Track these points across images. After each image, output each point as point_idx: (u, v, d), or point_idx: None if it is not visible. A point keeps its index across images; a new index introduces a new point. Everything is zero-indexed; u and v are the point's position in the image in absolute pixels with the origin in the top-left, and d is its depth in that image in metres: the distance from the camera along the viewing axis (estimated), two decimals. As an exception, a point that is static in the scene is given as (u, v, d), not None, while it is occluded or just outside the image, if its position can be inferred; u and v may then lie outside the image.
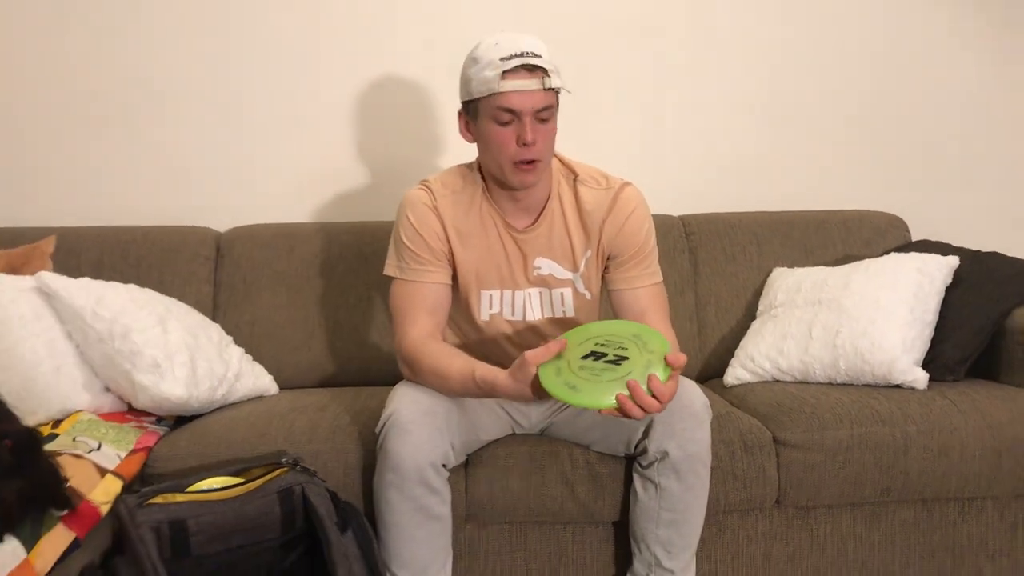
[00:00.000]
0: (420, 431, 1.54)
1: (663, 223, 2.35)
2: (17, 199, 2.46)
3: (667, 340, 1.43)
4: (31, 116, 2.44)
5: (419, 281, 1.71)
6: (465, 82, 1.64)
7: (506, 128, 1.60)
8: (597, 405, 1.35)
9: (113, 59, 2.43)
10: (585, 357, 1.41)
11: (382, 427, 1.58)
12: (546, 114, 1.60)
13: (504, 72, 1.55)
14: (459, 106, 1.70)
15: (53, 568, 1.32)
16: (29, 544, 1.28)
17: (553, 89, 1.59)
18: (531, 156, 1.60)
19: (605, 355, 1.41)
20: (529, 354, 1.42)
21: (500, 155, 1.62)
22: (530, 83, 1.56)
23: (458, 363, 1.58)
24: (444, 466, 1.59)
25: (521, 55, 1.56)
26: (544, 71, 1.57)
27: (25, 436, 1.27)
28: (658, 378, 1.36)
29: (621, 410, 1.37)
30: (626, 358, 1.40)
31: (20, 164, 2.45)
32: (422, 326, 1.68)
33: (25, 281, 1.85)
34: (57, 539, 1.34)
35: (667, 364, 1.38)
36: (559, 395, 1.36)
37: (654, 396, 1.36)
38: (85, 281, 1.87)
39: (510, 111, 1.58)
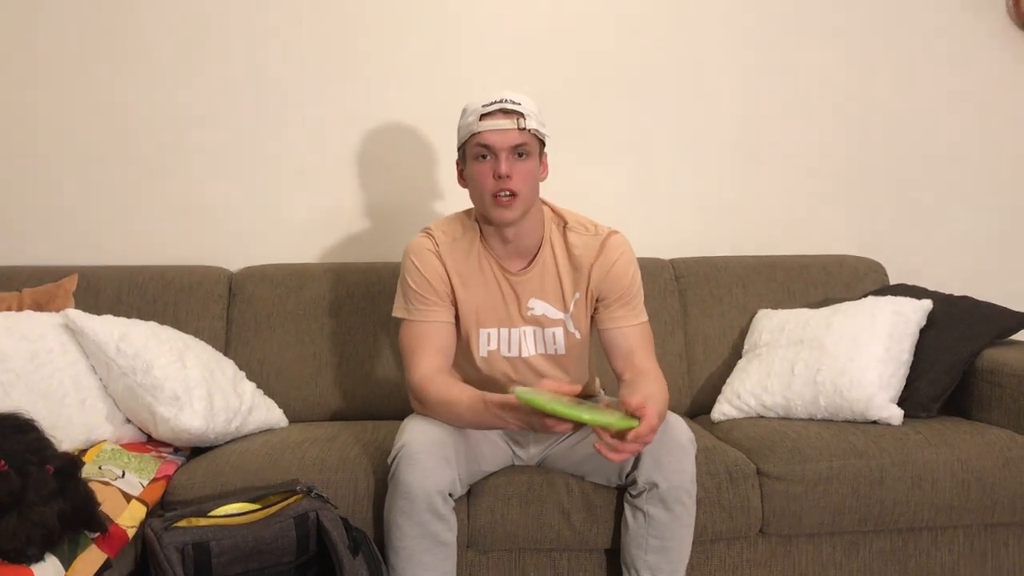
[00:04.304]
0: (429, 461, 1.62)
1: (654, 266, 2.45)
2: (41, 239, 2.55)
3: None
4: (55, 162, 2.54)
5: (426, 321, 1.81)
6: (457, 131, 1.81)
7: (484, 163, 1.75)
8: (577, 417, 1.44)
9: (132, 111, 2.54)
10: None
11: (394, 458, 1.66)
12: (522, 150, 1.74)
13: (482, 115, 1.72)
14: (456, 156, 1.84)
15: (87, 586, 1.41)
16: (67, 563, 1.36)
17: (529, 130, 1.73)
18: (507, 188, 1.73)
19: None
20: (545, 382, 1.57)
21: (481, 189, 1.76)
22: (505, 123, 1.72)
23: (468, 392, 1.69)
24: (451, 495, 1.67)
25: (500, 101, 1.73)
26: (520, 114, 1.73)
27: (66, 462, 1.36)
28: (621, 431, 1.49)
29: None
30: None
31: (44, 206, 2.55)
32: (430, 362, 1.78)
33: (52, 317, 1.94)
34: (91, 559, 1.42)
35: (630, 415, 1.50)
36: (541, 403, 1.45)
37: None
38: (108, 318, 1.95)
39: (486, 147, 1.73)
